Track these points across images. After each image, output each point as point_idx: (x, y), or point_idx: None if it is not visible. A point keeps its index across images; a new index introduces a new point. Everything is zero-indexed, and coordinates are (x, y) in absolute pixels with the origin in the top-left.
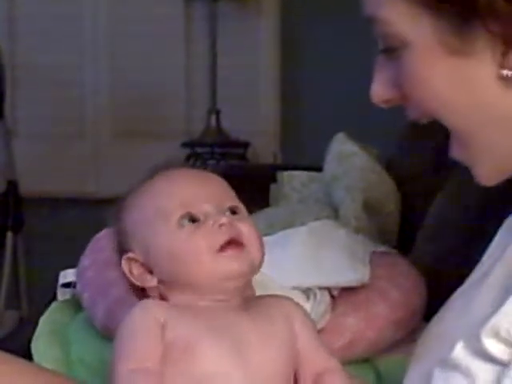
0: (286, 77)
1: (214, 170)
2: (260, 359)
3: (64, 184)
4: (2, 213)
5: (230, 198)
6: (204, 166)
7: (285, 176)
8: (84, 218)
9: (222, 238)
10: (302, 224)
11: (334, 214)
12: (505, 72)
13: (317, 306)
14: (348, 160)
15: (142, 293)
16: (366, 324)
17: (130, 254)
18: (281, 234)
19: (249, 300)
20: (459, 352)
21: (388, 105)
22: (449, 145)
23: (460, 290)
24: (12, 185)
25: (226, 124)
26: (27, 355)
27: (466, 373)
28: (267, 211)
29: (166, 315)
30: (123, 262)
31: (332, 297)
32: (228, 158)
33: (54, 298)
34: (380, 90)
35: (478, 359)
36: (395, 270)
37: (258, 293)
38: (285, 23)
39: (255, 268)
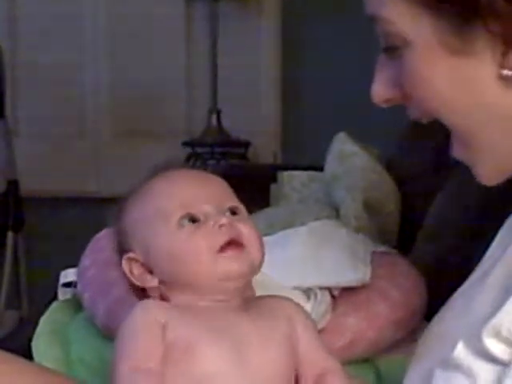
0: (286, 76)
1: (214, 170)
2: (260, 360)
3: (64, 183)
4: (3, 212)
5: (230, 199)
6: (204, 166)
7: (285, 176)
8: (84, 217)
9: (222, 239)
10: (303, 224)
11: (335, 213)
12: (505, 72)
13: (317, 306)
14: (348, 160)
15: (142, 293)
16: (366, 324)
17: (131, 254)
18: (281, 233)
19: (249, 301)
20: (460, 352)
21: (389, 104)
22: (449, 144)
23: (460, 289)
24: (12, 184)
25: (226, 124)
26: (27, 355)
27: (468, 373)
28: (267, 211)
29: (166, 316)
30: (123, 262)
31: (333, 297)
32: (229, 158)
33: (55, 297)
34: (381, 90)
35: (479, 359)
36: (395, 269)
37: (258, 293)
38: (285, 23)
39: (255, 268)
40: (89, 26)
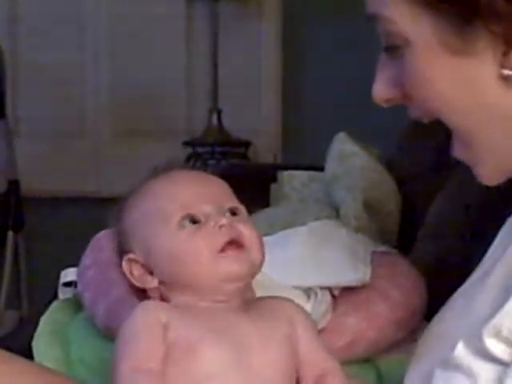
0: (287, 76)
1: (215, 170)
2: (261, 361)
3: (65, 183)
4: (3, 212)
5: (230, 199)
6: (204, 166)
7: (285, 176)
8: (85, 217)
9: (223, 239)
10: (303, 224)
11: (335, 213)
12: (506, 72)
13: (318, 306)
14: (348, 160)
15: (142, 294)
16: (366, 324)
17: (131, 255)
18: (281, 233)
19: (249, 302)
20: (460, 352)
21: (390, 104)
22: (450, 144)
23: (461, 289)
24: (13, 184)
25: (227, 123)
26: (28, 355)
27: (468, 373)
28: (267, 211)
29: (167, 316)
30: (124, 263)
31: (333, 296)
32: (229, 158)
33: (55, 297)
34: (382, 89)
35: (480, 359)
36: (396, 269)
37: (258, 293)
38: (286, 23)
39: (255, 269)
40: (89, 26)
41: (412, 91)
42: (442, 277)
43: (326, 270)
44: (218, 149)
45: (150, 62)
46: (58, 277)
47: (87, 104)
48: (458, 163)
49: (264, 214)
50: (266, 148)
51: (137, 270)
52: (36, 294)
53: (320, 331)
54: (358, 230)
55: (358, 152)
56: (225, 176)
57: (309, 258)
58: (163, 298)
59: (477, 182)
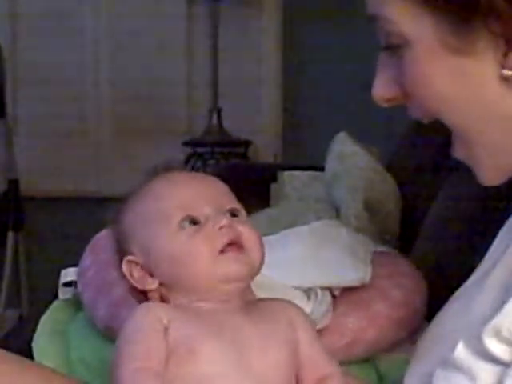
0: (286, 76)
1: (214, 170)
2: (261, 363)
3: (65, 183)
4: (3, 212)
5: (230, 201)
6: (204, 166)
7: (285, 176)
8: (85, 216)
9: (223, 240)
10: (303, 224)
11: (335, 213)
12: (506, 72)
13: (318, 306)
14: (349, 160)
15: (142, 295)
16: (367, 324)
17: (130, 257)
18: (281, 233)
19: (250, 303)
20: (460, 352)
21: (390, 104)
22: (450, 144)
23: (461, 290)
24: (13, 184)
25: (227, 123)
26: (28, 355)
27: (468, 373)
28: (268, 211)
29: (168, 316)
30: (124, 264)
31: (333, 296)
32: (229, 157)
33: (55, 296)
34: (382, 89)
35: (480, 359)
36: (396, 269)
37: (259, 293)
38: (286, 23)
39: (255, 270)
40: (90, 25)
41: (412, 91)
42: (442, 277)
43: (326, 270)
44: (218, 149)
45: (150, 61)
46: (58, 277)
47: (87, 103)
48: (458, 163)
49: (264, 214)
50: (265, 148)
51: (137, 272)
52: (36, 294)
53: (320, 331)
54: (358, 229)
55: (358, 152)
56: (225, 176)
57: (309, 258)
58: (163, 299)
59: (477, 182)
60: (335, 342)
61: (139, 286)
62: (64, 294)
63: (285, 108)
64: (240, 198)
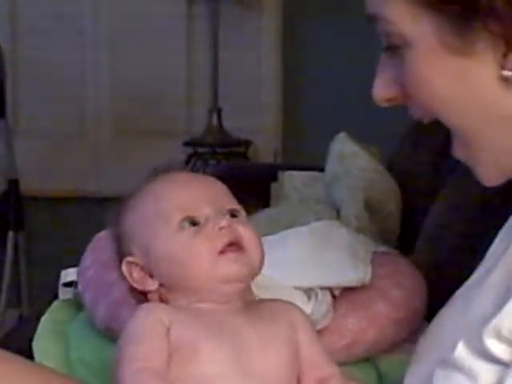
0: (287, 76)
1: (215, 170)
2: (261, 364)
3: (65, 183)
4: (3, 212)
5: (230, 201)
6: (205, 166)
7: (286, 176)
8: (85, 216)
9: (222, 241)
10: (303, 224)
11: (335, 213)
12: (505, 73)
13: (318, 306)
14: (349, 160)
15: (142, 295)
16: (367, 324)
17: (130, 258)
18: (281, 234)
19: (250, 304)
20: (461, 352)
21: (390, 104)
22: (450, 145)
23: (461, 290)
24: (13, 184)
25: (227, 123)
26: (28, 354)
27: (468, 373)
28: (268, 211)
29: (169, 317)
30: (123, 265)
31: (333, 296)
32: (229, 157)
33: (55, 297)
34: (382, 89)
35: (480, 359)
36: (396, 269)
37: (259, 293)
38: (286, 22)
39: (255, 271)
40: (90, 25)
41: (412, 91)
42: (443, 277)
43: (326, 270)
44: (219, 149)
45: (150, 61)
46: (58, 277)
47: (87, 104)
48: (458, 163)
49: (264, 214)
50: (266, 148)
51: (136, 273)
52: (36, 294)
53: (320, 331)
54: (358, 230)
55: (358, 152)
56: (225, 176)
57: (309, 259)
58: (162, 300)
59: (477, 183)
60: (335, 342)
61: (139, 287)
62: (64, 294)
63: (285, 108)
64: (240, 198)
